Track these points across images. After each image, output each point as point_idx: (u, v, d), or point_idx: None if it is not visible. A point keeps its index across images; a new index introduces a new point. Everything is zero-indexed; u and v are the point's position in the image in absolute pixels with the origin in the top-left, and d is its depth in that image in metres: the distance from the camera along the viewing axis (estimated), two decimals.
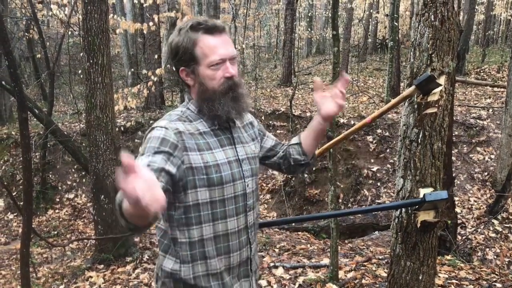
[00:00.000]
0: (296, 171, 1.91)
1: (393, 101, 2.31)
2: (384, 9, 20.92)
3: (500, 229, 6.60)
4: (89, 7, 5.04)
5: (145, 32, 8.12)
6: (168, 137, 1.46)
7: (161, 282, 1.64)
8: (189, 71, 1.55)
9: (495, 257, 6.00)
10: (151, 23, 7.39)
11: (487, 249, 6.18)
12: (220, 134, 1.60)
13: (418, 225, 2.29)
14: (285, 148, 1.88)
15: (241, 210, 1.62)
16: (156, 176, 1.39)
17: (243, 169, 1.62)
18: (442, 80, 2.22)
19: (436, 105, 2.24)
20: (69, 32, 10.35)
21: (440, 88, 2.20)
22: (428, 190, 2.28)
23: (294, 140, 1.88)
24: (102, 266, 5.60)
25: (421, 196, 2.19)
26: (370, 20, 20.85)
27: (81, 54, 5.44)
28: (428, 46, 2.24)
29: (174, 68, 1.62)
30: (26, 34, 13.04)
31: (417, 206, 2.26)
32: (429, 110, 2.25)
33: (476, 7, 18.64)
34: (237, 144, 1.64)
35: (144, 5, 8.43)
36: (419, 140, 2.31)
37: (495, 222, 6.71)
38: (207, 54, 1.50)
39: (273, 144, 1.87)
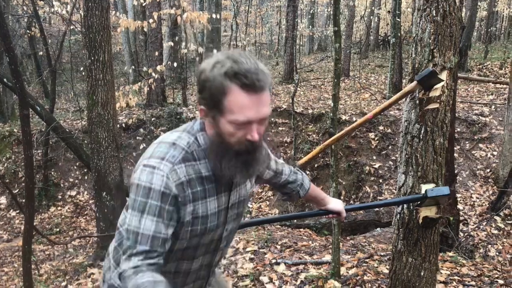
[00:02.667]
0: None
1: (394, 96, 2.30)
2: (385, 6, 20.86)
3: (503, 226, 6.58)
4: (90, 4, 5.04)
5: (145, 30, 8.11)
6: (169, 190, 1.31)
7: None
8: (210, 115, 1.33)
9: (497, 253, 5.99)
10: (151, 21, 7.38)
11: (489, 246, 6.16)
12: (220, 179, 1.43)
13: (420, 221, 2.29)
14: (287, 183, 1.88)
15: (210, 251, 1.55)
16: (162, 251, 1.33)
17: (228, 215, 1.51)
18: (444, 75, 2.21)
19: (438, 101, 2.23)
20: (71, 29, 10.35)
21: (442, 83, 2.20)
22: (430, 186, 2.28)
23: (302, 190, 1.92)
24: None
25: (423, 192, 2.18)
26: (372, 16, 20.78)
27: (83, 51, 5.44)
28: (430, 41, 2.23)
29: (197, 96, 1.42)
30: (28, 31, 13.05)
31: (419, 202, 2.25)
32: (431, 106, 2.24)
33: (479, 3, 18.58)
34: (233, 188, 1.49)
35: (144, 4, 8.41)
36: (420, 135, 2.30)
37: (498, 219, 6.69)
38: (234, 111, 1.27)
39: (270, 177, 1.81)
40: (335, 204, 2.00)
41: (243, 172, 1.38)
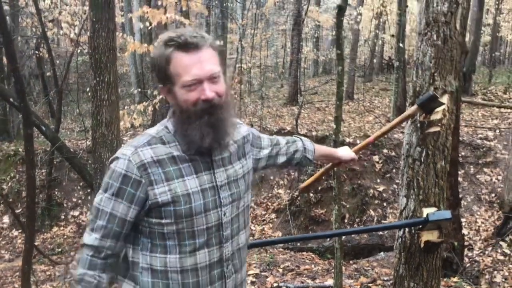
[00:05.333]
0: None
1: (395, 120, 2.30)
2: (390, 30, 21.04)
3: (509, 252, 6.48)
4: (96, 26, 5.10)
5: (152, 55, 8.20)
6: (130, 173, 1.36)
7: None
8: (166, 90, 1.43)
9: (503, 280, 5.89)
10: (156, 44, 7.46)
11: (495, 272, 6.06)
12: (196, 158, 1.44)
13: (422, 245, 2.26)
14: (291, 155, 1.91)
15: (215, 242, 1.47)
16: (119, 230, 1.40)
17: (221, 196, 1.47)
18: (444, 99, 2.22)
19: (439, 124, 2.23)
20: (78, 51, 10.49)
21: (443, 107, 2.20)
22: (432, 209, 2.26)
23: (309, 154, 1.97)
24: None
25: (424, 215, 2.17)
26: (376, 40, 20.95)
27: (90, 72, 5.50)
28: (431, 65, 2.24)
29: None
30: (36, 52, 13.23)
31: (420, 226, 2.23)
32: (432, 129, 2.24)
33: (483, 28, 18.73)
34: (216, 168, 1.48)
35: (150, 28, 8.54)
36: (422, 159, 2.29)
37: (503, 244, 6.60)
38: (180, 73, 1.36)
39: (268, 152, 1.81)
40: (344, 151, 2.12)
41: (211, 134, 1.39)
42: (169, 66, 1.37)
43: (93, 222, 1.41)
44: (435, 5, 2.22)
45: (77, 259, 1.41)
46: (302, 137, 1.99)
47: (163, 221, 1.39)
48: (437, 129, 2.23)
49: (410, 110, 2.24)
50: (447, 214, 2.11)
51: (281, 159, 1.87)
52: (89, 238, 1.40)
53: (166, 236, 1.41)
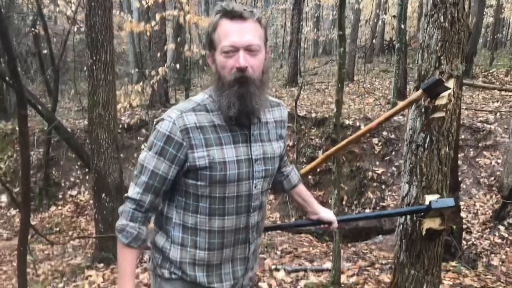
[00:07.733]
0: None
1: (399, 105, 2.24)
2: (391, 10, 20.79)
3: (506, 235, 6.49)
4: (92, 3, 4.99)
5: (148, 34, 8.09)
6: (173, 134, 1.45)
7: (151, 256, 1.67)
8: (211, 57, 1.50)
9: (500, 263, 5.90)
10: (153, 23, 7.34)
11: (492, 255, 6.08)
12: (236, 129, 1.51)
13: (423, 232, 2.22)
14: (281, 175, 1.89)
15: (243, 210, 1.56)
16: (159, 187, 1.50)
17: (254, 169, 1.54)
18: (450, 83, 2.15)
19: (444, 109, 2.16)
20: (76, 29, 10.32)
21: (448, 91, 2.13)
22: (434, 197, 2.21)
23: (287, 182, 1.91)
24: (102, 265, 5.55)
25: (427, 203, 2.12)
26: (377, 21, 20.68)
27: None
28: (437, 48, 2.17)
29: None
30: (33, 29, 13.04)
31: (422, 213, 2.19)
32: (437, 114, 2.18)
33: (485, 9, 18.48)
34: (253, 142, 1.54)
35: (145, 5, 8.40)
36: (426, 145, 2.24)
37: (501, 228, 6.61)
38: (220, 39, 1.42)
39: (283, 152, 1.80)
40: (327, 213, 1.93)
41: (237, 105, 1.43)
42: (214, 32, 1.44)
43: (137, 177, 1.52)
44: None
45: (121, 211, 1.55)
46: (294, 168, 1.96)
47: (199, 183, 1.49)
48: (442, 114, 2.17)
49: (414, 94, 2.18)
50: (450, 201, 2.05)
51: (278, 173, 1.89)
52: (133, 191, 1.52)
53: (200, 197, 1.52)
